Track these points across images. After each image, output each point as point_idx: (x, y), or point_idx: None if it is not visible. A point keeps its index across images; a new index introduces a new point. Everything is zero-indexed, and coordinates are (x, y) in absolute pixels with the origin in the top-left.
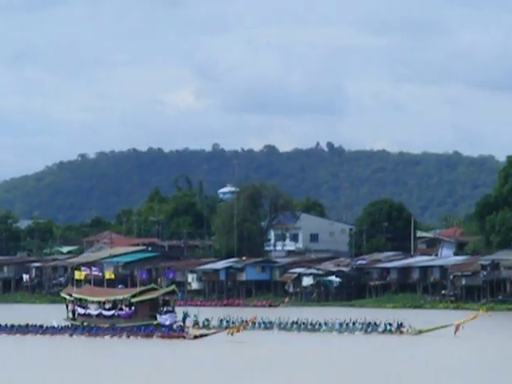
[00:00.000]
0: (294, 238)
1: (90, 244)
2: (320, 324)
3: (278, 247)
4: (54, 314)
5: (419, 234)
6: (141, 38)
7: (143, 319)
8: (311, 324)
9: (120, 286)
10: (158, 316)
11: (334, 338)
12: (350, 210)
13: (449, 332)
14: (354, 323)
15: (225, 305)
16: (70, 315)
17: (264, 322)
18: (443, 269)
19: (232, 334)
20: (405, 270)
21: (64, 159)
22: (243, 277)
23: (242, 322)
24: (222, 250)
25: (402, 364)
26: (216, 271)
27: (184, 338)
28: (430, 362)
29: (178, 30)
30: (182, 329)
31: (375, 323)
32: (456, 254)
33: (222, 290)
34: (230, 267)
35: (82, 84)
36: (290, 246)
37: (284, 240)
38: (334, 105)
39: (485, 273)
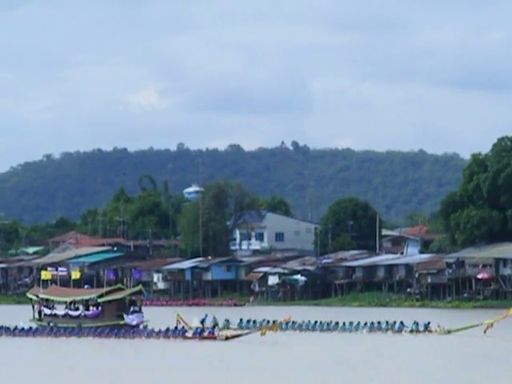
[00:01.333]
0: (260, 237)
1: (55, 244)
2: (344, 324)
3: (244, 246)
4: (21, 314)
5: (384, 232)
6: (104, 37)
7: (110, 319)
8: (336, 324)
9: (86, 287)
10: (125, 316)
11: (364, 338)
12: (315, 209)
13: (478, 331)
14: (379, 323)
15: (190, 304)
16: (37, 316)
17: (293, 323)
18: (408, 267)
19: (264, 334)
20: (370, 269)
21: (29, 160)
22: (209, 276)
23: (274, 322)
24: (188, 250)
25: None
26: (181, 271)
27: (215, 339)
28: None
29: (141, 29)
30: (212, 330)
31: (401, 322)
32: (421, 252)
33: (187, 290)
34: (195, 267)
35: (45, 84)
36: (255, 245)
37: (249, 239)
38: (298, 103)
39: (450, 271)
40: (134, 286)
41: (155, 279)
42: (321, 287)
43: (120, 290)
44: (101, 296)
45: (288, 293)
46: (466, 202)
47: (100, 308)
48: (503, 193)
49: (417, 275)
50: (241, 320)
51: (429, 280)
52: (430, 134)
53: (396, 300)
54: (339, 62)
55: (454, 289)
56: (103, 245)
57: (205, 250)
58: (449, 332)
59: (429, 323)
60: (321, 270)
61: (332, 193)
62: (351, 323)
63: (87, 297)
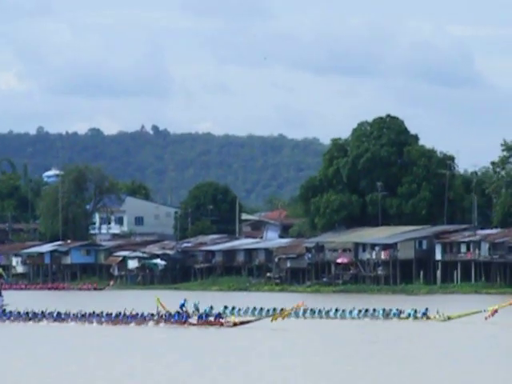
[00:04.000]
0: (119, 221)
1: None
2: (337, 310)
3: (103, 230)
4: None
5: (244, 216)
6: None
7: None
8: (336, 311)
9: None
10: None
11: (366, 324)
12: (175, 193)
13: (479, 318)
14: (374, 310)
15: (49, 288)
16: None
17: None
18: (268, 251)
19: (275, 320)
20: (230, 253)
21: None
22: (68, 260)
23: (282, 309)
24: (47, 234)
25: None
26: (41, 254)
27: (222, 325)
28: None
29: None
30: (219, 316)
31: (397, 309)
32: (281, 236)
33: (46, 274)
34: (54, 250)
35: None
36: (115, 229)
37: (109, 223)
38: (159, 88)
39: (309, 255)
40: None
41: (14, 263)
42: (180, 271)
43: None
44: None
45: (147, 277)
46: (325, 187)
47: None
48: (363, 178)
49: (276, 260)
50: (225, 307)
51: (288, 264)
52: (291, 119)
53: (256, 284)
54: (200, 46)
55: (313, 273)
56: None
57: (64, 233)
58: (449, 319)
59: (427, 310)
60: (180, 254)
61: (192, 177)
62: (343, 310)
63: None
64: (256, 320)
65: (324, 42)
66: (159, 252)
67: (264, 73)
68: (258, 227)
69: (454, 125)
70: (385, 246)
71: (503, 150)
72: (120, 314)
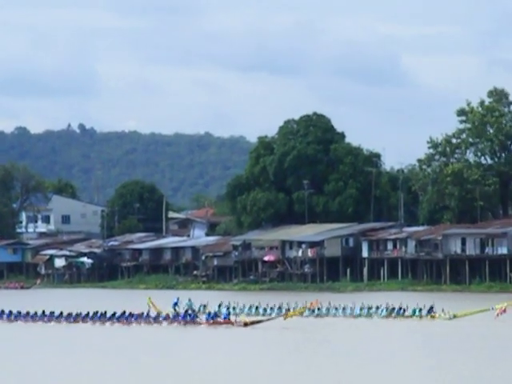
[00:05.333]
0: (46, 220)
1: None
2: (344, 308)
3: (30, 229)
4: None
5: (171, 214)
6: None
7: None
8: (343, 309)
9: None
10: None
11: (372, 323)
12: (101, 192)
13: (487, 316)
14: (377, 307)
15: None
16: None
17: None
18: (195, 249)
19: (289, 318)
20: (157, 251)
21: None
22: None
23: (288, 310)
24: None
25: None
26: None
27: (232, 325)
28: None
29: None
30: (228, 315)
31: (400, 307)
32: (208, 234)
33: None
34: None
35: None
36: (41, 227)
37: (36, 222)
38: (85, 86)
39: (236, 253)
40: None
41: None
42: (107, 270)
43: None
44: None
45: (74, 275)
46: (252, 185)
47: None
48: (289, 175)
49: (203, 258)
50: (219, 305)
51: (215, 262)
52: (217, 117)
53: (183, 282)
54: (126, 45)
55: (240, 271)
56: None
57: None
58: (455, 317)
59: (431, 307)
60: (107, 252)
61: (118, 175)
62: (344, 308)
63: None
64: (267, 320)
65: (250, 41)
66: (86, 250)
67: (190, 71)
68: (184, 225)
69: (381, 123)
70: (311, 244)
71: (429, 148)
72: (124, 313)
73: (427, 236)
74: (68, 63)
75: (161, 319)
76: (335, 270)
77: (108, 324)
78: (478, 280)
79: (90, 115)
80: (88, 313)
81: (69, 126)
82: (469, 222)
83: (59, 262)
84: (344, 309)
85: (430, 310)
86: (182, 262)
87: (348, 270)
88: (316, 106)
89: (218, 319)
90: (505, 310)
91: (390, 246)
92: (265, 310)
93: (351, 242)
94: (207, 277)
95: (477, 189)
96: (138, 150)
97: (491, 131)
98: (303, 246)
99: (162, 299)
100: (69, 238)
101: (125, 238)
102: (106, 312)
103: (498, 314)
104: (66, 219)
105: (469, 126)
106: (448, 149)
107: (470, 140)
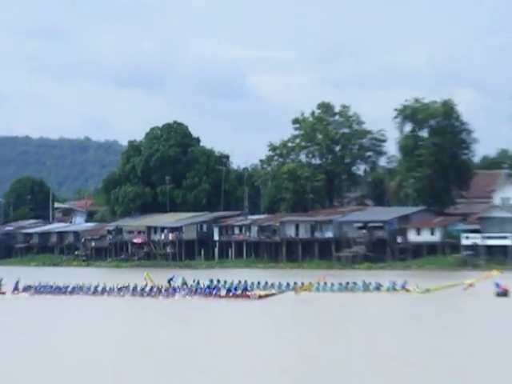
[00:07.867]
0: None
1: None
2: (326, 284)
3: None
4: None
5: (57, 205)
6: None
7: None
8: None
9: None
10: None
11: (357, 298)
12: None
13: (457, 290)
14: (354, 283)
15: None
16: None
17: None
18: (76, 233)
19: (299, 293)
20: (45, 235)
21: None
22: None
23: (296, 284)
24: None
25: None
26: None
27: (249, 297)
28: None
29: None
30: (245, 289)
31: (376, 283)
32: (87, 221)
33: None
34: None
35: None
36: None
37: None
38: None
39: (110, 236)
40: None
41: None
42: (4, 250)
43: None
44: None
45: None
46: (123, 181)
47: None
48: (154, 173)
49: (83, 240)
50: (211, 281)
51: (93, 244)
52: (95, 124)
53: (66, 260)
54: (18, 61)
55: (113, 251)
56: None
57: None
58: (427, 291)
59: (405, 282)
60: (4, 236)
61: (14, 173)
62: (325, 283)
63: None
64: (279, 293)
65: (124, 62)
66: None
67: (75, 86)
68: (68, 214)
69: (230, 129)
70: (172, 229)
71: (269, 150)
72: (151, 287)
73: (267, 222)
74: None
75: (183, 292)
76: (191, 251)
77: (138, 297)
78: (309, 259)
79: None
80: (114, 285)
81: None
82: (301, 211)
83: None
84: (325, 284)
85: (404, 284)
86: (66, 244)
87: (202, 251)
88: (176, 115)
89: (237, 292)
90: (472, 285)
91: (236, 230)
92: (279, 285)
93: (205, 228)
94: (86, 256)
95: (308, 184)
96: (30, 151)
97: (320, 137)
98: (165, 230)
99: (51, 275)
100: None
101: (18, 224)
102: (136, 285)
103: (466, 288)
104: None
105: (302, 132)
106: (284, 151)
107: (303, 144)
